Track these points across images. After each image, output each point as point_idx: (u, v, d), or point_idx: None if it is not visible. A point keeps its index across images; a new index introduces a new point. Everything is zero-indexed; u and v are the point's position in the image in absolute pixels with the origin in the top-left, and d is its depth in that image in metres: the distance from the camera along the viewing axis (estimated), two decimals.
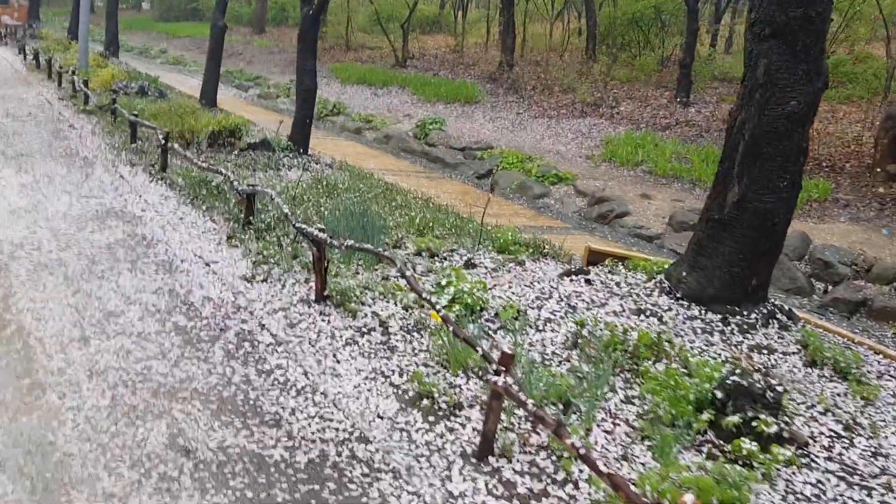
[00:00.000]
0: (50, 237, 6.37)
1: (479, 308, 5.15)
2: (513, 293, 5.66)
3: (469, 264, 6.26)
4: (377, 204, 8.46)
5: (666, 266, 6.14)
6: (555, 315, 5.26)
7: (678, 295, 5.64)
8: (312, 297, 5.38)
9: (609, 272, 6.28)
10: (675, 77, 19.43)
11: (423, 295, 4.39)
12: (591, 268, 6.37)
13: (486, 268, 6.28)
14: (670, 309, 5.45)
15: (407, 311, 5.21)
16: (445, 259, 6.47)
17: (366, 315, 5.10)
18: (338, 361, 4.51)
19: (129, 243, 6.43)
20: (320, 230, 5.18)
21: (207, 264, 6.05)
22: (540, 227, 9.91)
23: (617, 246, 9.06)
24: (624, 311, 5.39)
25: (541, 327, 5.06)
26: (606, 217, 11.52)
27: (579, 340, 4.77)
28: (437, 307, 4.24)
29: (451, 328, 4.17)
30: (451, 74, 24.07)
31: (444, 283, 5.34)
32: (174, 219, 7.26)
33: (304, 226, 5.30)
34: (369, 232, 6.38)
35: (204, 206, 7.67)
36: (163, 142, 8.61)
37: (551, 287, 5.79)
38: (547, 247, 7.23)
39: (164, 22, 42.66)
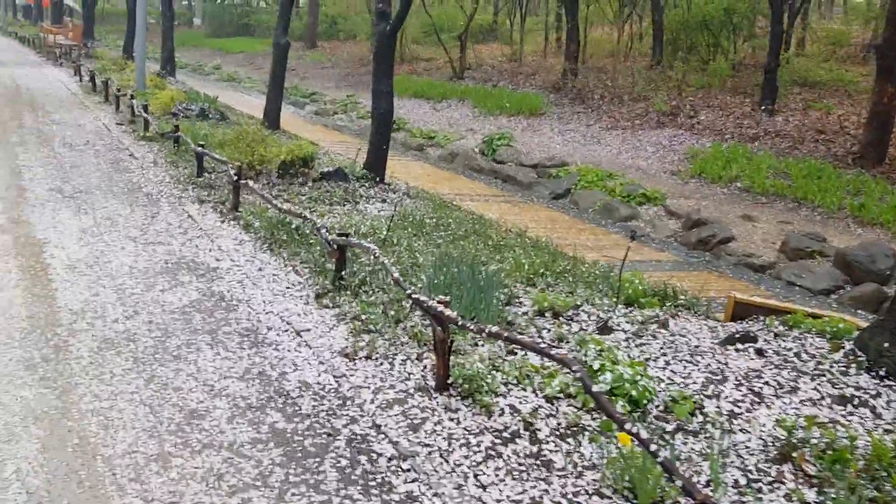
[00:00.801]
0: (115, 300, 5.43)
1: (644, 402, 4.04)
2: (671, 371, 4.54)
3: (604, 328, 5.14)
4: (470, 242, 7.41)
5: (852, 330, 4.96)
6: (739, 407, 4.12)
7: (881, 372, 4.45)
8: (432, 383, 4.32)
9: (776, 335, 5.11)
10: (752, 83, 18.05)
11: (602, 401, 3.28)
12: (753, 329, 5.22)
13: (624, 332, 5.16)
14: (878, 394, 4.27)
15: (551, 403, 4.12)
16: (572, 320, 5.37)
17: (503, 411, 4.02)
18: (483, 488, 3.44)
19: (205, 305, 5.46)
20: (442, 301, 4.12)
21: (298, 334, 5.04)
22: (647, 262, 8.75)
23: (759, 293, 7.84)
24: (823, 398, 4.23)
25: (727, 426, 3.94)
26: (708, 243, 10.28)
27: (791, 453, 3.62)
28: (626, 425, 3.14)
29: (646, 449, 3.08)
30: (511, 85, 22.98)
31: (596, 366, 4.23)
32: (252, 270, 6.29)
33: (423, 298, 4.24)
34: (483, 287, 5.31)
35: (284, 252, 6.69)
36: (235, 178, 7.66)
37: (718, 362, 4.65)
38: (682, 296, 6.09)
39: (216, 38, 42.27)
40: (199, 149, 9.00)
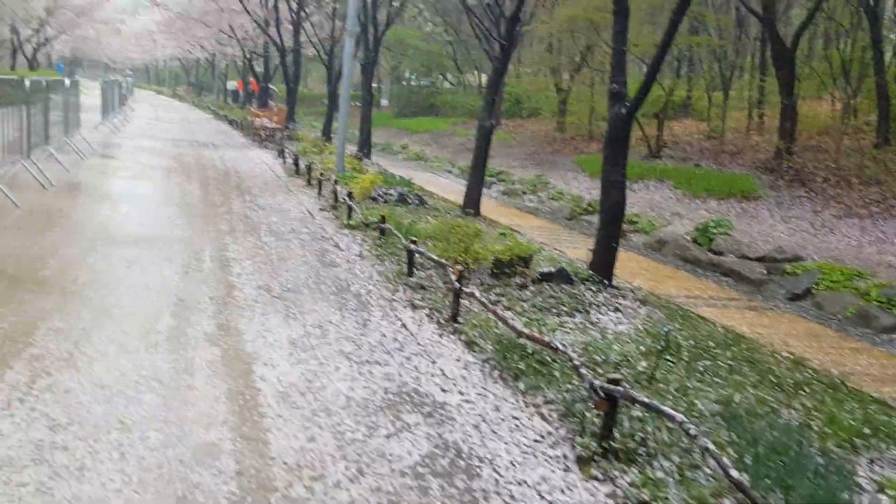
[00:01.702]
0: (334, 449, 4.38)
1: None
2: None
3: None
4: (747, 377, 5.83)
5: None
6: None
7: None
8: None
9: None
10: None
11: None
12: None
13: None
14: None
15: None
16: None
17: None
18: None
19: (440, 464, 4.28)
20: None
21: None
22: None
23: None
24: None
25: None
26: None
27: None
28: None
29: None
30: (714, 165, 21.10)
31: None
32: (487, 409, 5.08)
33: None
34: (821, 473, 3.76)
35: (520, 383, 5.46)
36: (456, 286, 6.59)
37: None
38: None
39: (402, 118, 43.32)
40: (412, 245, 8.09)
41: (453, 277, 6.69)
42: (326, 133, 25.75)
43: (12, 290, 6.81)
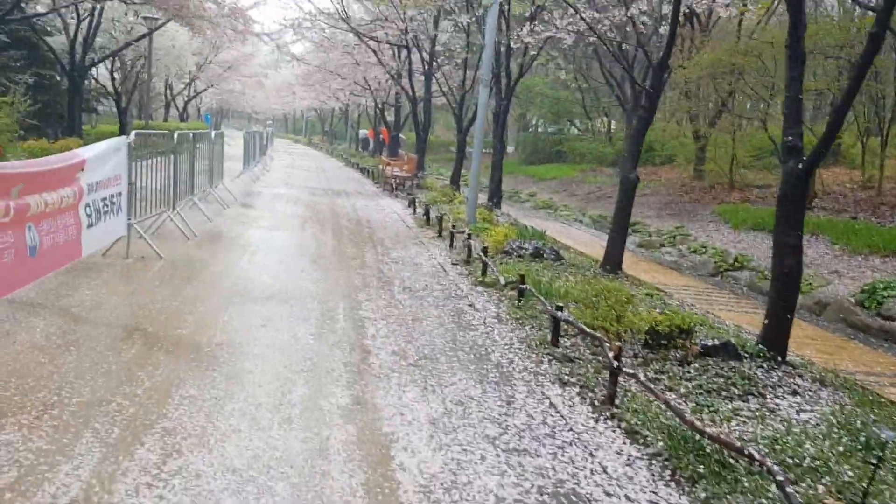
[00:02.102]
0: None
1: None
2: None
3: None
4: None
5: None
6: None
7: None
8: None
9: None
10: None
11: None
12: None
13: None
14: None
15: None
16: None
17: None
18: None
19: None
20: None
21: None
22: None
23: None
24: None
25: None
26: None
27: None
28: None
29: None
30: (873, 217, 19.23)
31: None
32: None
33: None
34: None
35: (700, 490, 4.61)
36: (614, 364, 5.83)
37: None
38: None
39: (529, 165, 42.88)
40: (557, 312, 7.38)
41: (610, 355, 5.93)
42: (455, 181, 25.58)
43: (150, 351, 6.62)
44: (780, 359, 7.23)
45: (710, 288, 14.88)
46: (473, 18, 22.45)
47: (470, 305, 9.51)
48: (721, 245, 18.88)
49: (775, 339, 7.30)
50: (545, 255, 12.72)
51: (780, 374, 7.03)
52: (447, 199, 20.14)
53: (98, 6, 27.41)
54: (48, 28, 31.87)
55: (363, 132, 58.94)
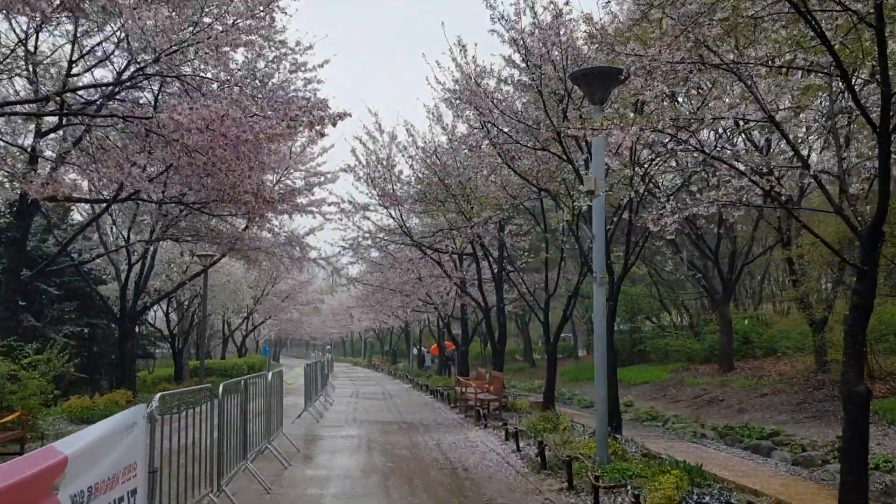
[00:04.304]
0: None
1: None
2: None
3: None
4: None
5: None
6: None
7: None
8: None
9: None
10: None
11: None
12: None
13: None
14: None
15: None
16: None
17: None
18: None
19: None
20: None
21: None
22: None
23: None
24: None
25: None
26: None
27: None
28: None
29: None
30: None
31: None
32: None
33: None
34: None
35: None
36: None
37: None
38: None
39: None
40: None
41: None
42: (548, 398, 21.74)
43: None
44: None
45: None
46: (563, 223, 20.05)
47: None
48: None
49: None
50: None
51: None
52: (551, 426, 16.25)
53: (151, 248, 25.90)
54: (103, 276, 30.56)
55: (424, 350, 56.06)
